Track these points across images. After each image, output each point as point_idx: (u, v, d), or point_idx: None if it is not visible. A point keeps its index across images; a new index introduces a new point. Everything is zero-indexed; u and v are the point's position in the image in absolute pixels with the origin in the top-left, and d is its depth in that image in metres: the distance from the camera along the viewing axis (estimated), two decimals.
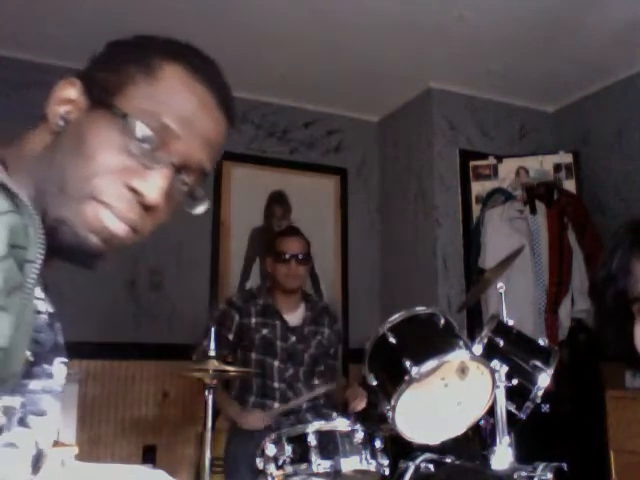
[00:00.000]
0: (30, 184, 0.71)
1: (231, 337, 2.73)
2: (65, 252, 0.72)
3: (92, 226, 0.71)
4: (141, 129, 0.72)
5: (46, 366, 0.72)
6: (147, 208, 0.73)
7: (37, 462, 0.70)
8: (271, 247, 2.88)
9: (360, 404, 2.60)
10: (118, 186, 0.72)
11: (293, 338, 2.77)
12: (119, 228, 0.72)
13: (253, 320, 2.74)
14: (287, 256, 2.76)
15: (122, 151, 0.72)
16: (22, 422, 0.68)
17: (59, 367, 0.73)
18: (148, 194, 0.72)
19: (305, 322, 2.83)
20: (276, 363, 2.71)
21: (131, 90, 0.74)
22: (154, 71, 0.75)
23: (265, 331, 2.74)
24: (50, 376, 0.72)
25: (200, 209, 0.80)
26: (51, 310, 0.74)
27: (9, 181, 0.62)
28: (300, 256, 2.79)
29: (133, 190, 0.72)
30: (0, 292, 0.57)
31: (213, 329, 2.39)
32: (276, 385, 2.69)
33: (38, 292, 0.70)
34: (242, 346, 2.74)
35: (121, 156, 0.72)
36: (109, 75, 0.76)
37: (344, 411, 2.69)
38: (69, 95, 0.76)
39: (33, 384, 0.70)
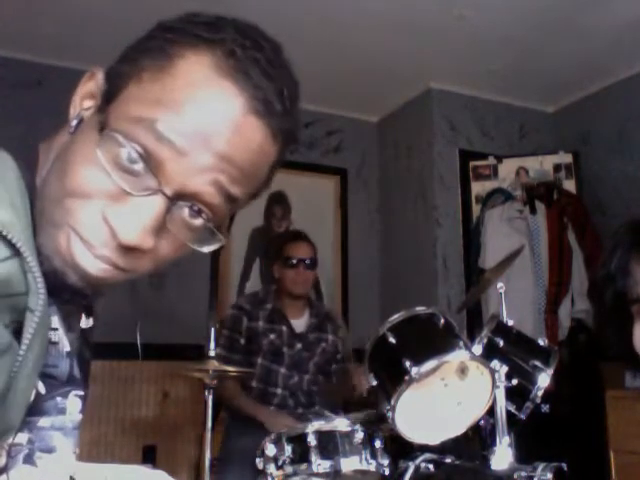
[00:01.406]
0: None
1: (243, 341, 2.71)
2: (51, 289, 0.58)
3: (65, 260, 0.58)
4: (121, 144, 0.56)
5: (59, 399, 0.67)
6: (128, 249, 0.58)
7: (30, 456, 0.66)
8: (278, 252, 2.84)
9: (364, 384, 2.48)
10: (93, 214, 0.57)
11: (299, 345, 2.75)
12: (93, 267, 0.58)
13: (261, 324, 2.72)
14: (295, 261, 2.74)
15: (102, 173, 0.57)
16: (29, 459, 0.64)
17: (74, 400, 0.69)
18: (122, 232, 0.57)
19: (310, 329, 2.81)
20: (282, 370, 2.70)
21: (134, 90, 0.58)
22: (170, 62, 0.58)
23: (272, 336, 2.72)
24: (62, 412, 0.68)
25: (210, 246, 0.63)
26: (68, 345, 0.68)
27: (11, 228, 0.53)
28: (308, 261, 2.77)
29: (109, 225, 0.57)
30: None
31: (213, 329, 2.39)
32: (278, 391, 2.68)
33: (55, 322, 0.65)
34: (250, 350, 2.72)
35: (100, 179, 0.57)
36: (123, 67, 0.61)
37: (344, 408, 2.68)
38: (91, 89, 0.63)
39: (42, 421, 0.65)
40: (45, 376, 0.64)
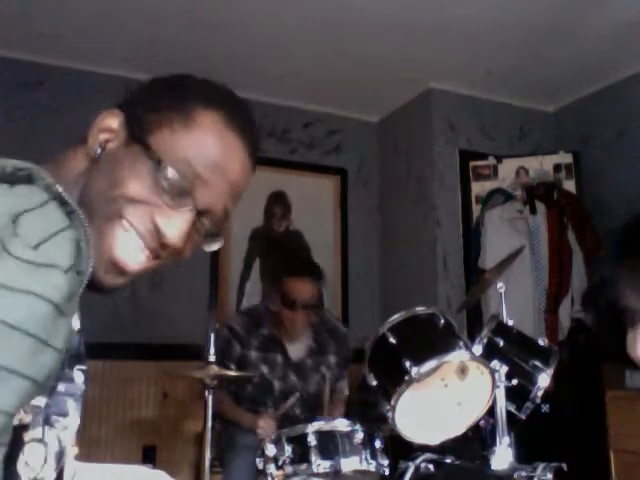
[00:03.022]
0: None
1: (233, 367, 2.57)
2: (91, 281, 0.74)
3: (112, 251, 0.75)
4: (172, 175, 0.76)
5: (67, 370, 0.77)
6: (165, 246, 0.77)
7: (60, 459, 0.75)
8: (277, 282, 2.55)
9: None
10: (144, 215, 0.76)
11: (293, 377, 2.61)
12: (134, 258, 0.77)
13: (253, 354, 2.57)
14: (293, 301, 2.47)
15: (152, 189, 0.76)
16: (47, 421, 0.72)
17: (77, 374, 0.79)
18: (169, 235, 0.77)
19: (308, 354, 2.64)
20: (270, 401, 2.61)
21: (167, 134, 0.78)
22: (192, 118, 0.79)
23: (264, 368, 2.56)
24: (72, 380, 0.77)
25: (214, 246, 0.85)
26: (79, 323, 0.78)
27: (68, 197, 0.66)
28: (309, 303, 2.50)
29: (156, 226, 0.76)
30: (65, 300, 0.60)
31: (213, 334, 2.36)
32: (268, 410, 2.59)
33: None
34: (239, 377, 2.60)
35: (150, 193, 0.76)
36: (149, 115, 0.80)
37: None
38: (111, 125, 0.80)
39: (59, 386, 0.74)
40: None
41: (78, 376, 0.78)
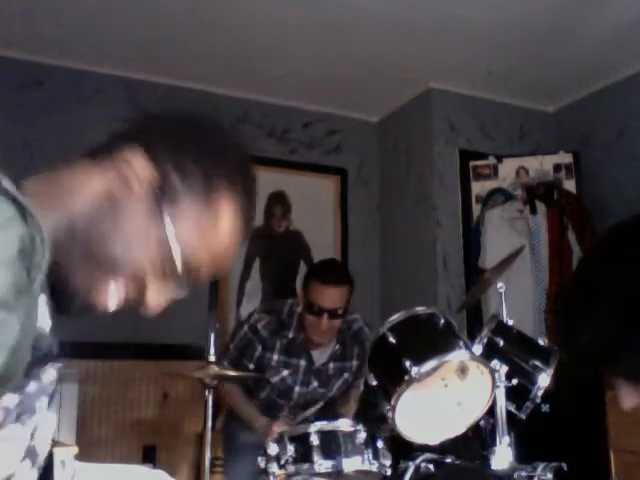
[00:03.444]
0: (58, 228, 0.73)
1: (252, 367, 2.47)
2: (61, 305, 0.77)
3: (95, 299, 0.78)
4: (180, 261, 0.79)
5: (35, 369, 0.75)
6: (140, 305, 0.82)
7: (34, 457, 0.75)
8: (305, 284, 2.39)
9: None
10: (136, 284, 0.79)
11: (315, 383, 2.52)
12: (112, 306, 0.80)
13: (275, 357, 2.46)
14: (319, 309, 2.32)
15: (154, 260, 0.78)
16: (18, 419, 0.72)
17: (49, 372, 0.77)
18: (151, 305, 0.81)
19: (332, 359, 2.54)
20: (287, 407, 2.55)
21: (190, 218, 0.79)
22: (213, 206, 0.80)
23: (285, 373, 2.47)
24: (40, 379, 0.76)
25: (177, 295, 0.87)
26: (50, 321, 0.77)
27: (18, 194, 0.65)
28: (336, 311, 2.33)
29: (142, 294, 0.80)
30: (10, 294, 0.60)
31: (213, 335, 2.34)
32: (283, 413, 2.55)
33: (42, 300, 0.73)
34: (257, 378, 2.51)
35: (151, 264, 0.78)
36: (181, 188, 0.79)
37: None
38: (145, 175, 0.79)
39: (30, 384, 0.73)
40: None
41: (50, 375, 0.77)
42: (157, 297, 0.81)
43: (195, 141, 0.83)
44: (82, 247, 0.74)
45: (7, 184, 0.65)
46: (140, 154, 0.79)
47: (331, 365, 2.54)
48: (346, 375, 2.57)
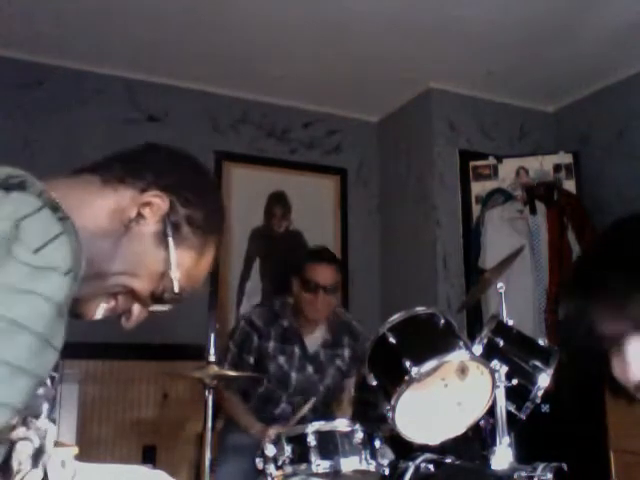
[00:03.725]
0: None
1: (252, 361, 2.58)
2: None
3: (87, 312, 0.84)
4: (177, 289, 0.89)
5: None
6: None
7: (38, 457, 0.79)
8: (298, 269, 2.59)
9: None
10: (129, 303, 0.87)
11: (310, 369, 2.62)
12: (100, 315, 0.87)
13: (271, 345, 2.58)
14: (315, 286, 2.50)
15: (152, 286, 0.87)
16: (24, 422, 0.76)
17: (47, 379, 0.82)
18: (134, 319, 0.89)
19: (323, 345, 2.66)
20: (285, 396, 2.60)
21: (187, 253, 0.90)
22: (204, 248, 0.92)
23: (282, 359, 2.58)
24: (46, 384, 0.81)
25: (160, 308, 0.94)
26: None
27: (59, 204, 0.69)
28: (330, 287, 2.52)
29: (130, 309, 0.88)
30: (64, 301, 0.64)
31: (213, 335, 2.35)
32: (280, 407, 2.61)
33: None
34: (258, 370, 2.59)
35: (150, 289, 0.87)
36: (186, 228, 0.90)
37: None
38: (159, 209, 0.87)
39: (39, 389, 0.76)
40: None
41: (48, 381, 0.82)
42: (142, 312, 0.89)
43: (198, 178, 0.95)
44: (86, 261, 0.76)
45: (52, 194, 0.70)
46: (154, 184, 0.87)
47: (323, 352, 2.65)
48: (339, 362, 2.67)
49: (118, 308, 0.86)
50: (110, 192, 0.85)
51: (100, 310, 0.85)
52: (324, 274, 2.52)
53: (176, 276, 0.87)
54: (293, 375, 2.60)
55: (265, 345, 2.58)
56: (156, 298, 0.89)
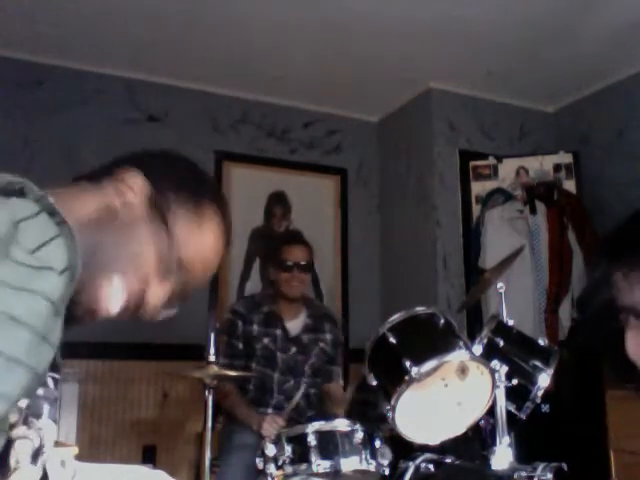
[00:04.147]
0: None
1: (241, 346, 2.73)
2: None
3: (96, 301, 0.81)
4: (179, 256, 0.87)
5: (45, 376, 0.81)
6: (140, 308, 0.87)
7: (37, 456, 0.79)
8: (274, 255, 2.83)
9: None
10: (139, 281, 0.85)
11: (293, 349, 2.76)
12: (115, 307, 0.84)
13: (255, 328, 2.74)
14: (290, 264, 2.72)
15: (156, 261, 0.86)
16: (25, 421, 0.77)
17: (50, 380, 0.83)
18: (151, 304, 0.87)
19: (305, 330, 2.81)
20: (276, 375, 2.71)
21: (184, 220, 0.88)
22: (201, 214, 0.90)
23: (266, 340, 2.73)
24: (46, 385, 0.82)
25: (167, 314, 0.93)
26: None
27: (57, 208, 0.70)
28: (303, 264, 2.75)
29: (142, 292, 0.85)
30: (60, 300, 0.65)
31: (213, 335, 2.38)
32: (274, 397, 2.69)
33: None
34: (247, 354, 2.73)
35: (154, 264, 0.86)
36: (173, 196, 0.89)
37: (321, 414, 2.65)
38: (140, 188, 0.87)
39: (38, 389, 0.78)
40: None
41: (50, 382, 0.83)
42: (157, 297, 0.86)
43: (181, 167, 0.94)
44: (84, 254, 0.77)
45: (50, 199, 0.71)
46: (136, 172, 0.87)
47: (305, 336, 2.80)
48: (322, 344, 2.82)
49: (131, 295, 0.85)
50: (96, 189, 0.87)
51: (113, 300, 0.84)
52: (298, 253, 2.76)
53: (177, 251, 0.87)
54: (279, 355, 2.73)
55: (249, 329, 2.74)
56: (167, 281, 0.88)
